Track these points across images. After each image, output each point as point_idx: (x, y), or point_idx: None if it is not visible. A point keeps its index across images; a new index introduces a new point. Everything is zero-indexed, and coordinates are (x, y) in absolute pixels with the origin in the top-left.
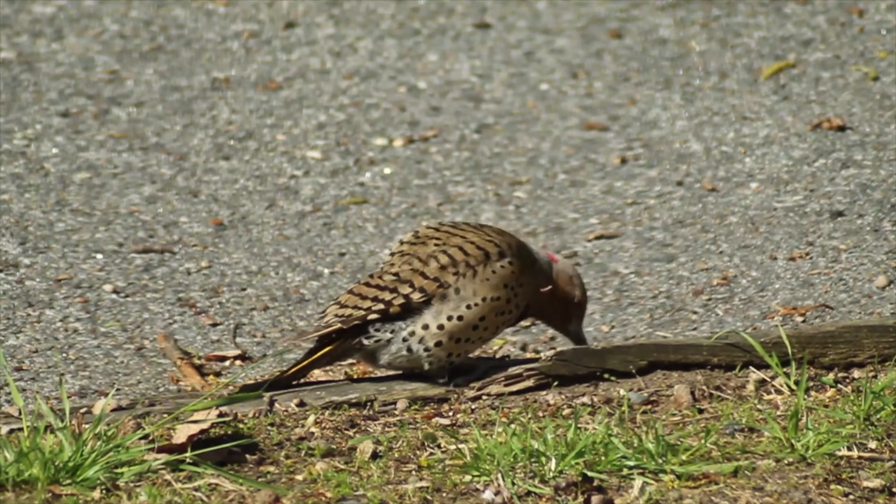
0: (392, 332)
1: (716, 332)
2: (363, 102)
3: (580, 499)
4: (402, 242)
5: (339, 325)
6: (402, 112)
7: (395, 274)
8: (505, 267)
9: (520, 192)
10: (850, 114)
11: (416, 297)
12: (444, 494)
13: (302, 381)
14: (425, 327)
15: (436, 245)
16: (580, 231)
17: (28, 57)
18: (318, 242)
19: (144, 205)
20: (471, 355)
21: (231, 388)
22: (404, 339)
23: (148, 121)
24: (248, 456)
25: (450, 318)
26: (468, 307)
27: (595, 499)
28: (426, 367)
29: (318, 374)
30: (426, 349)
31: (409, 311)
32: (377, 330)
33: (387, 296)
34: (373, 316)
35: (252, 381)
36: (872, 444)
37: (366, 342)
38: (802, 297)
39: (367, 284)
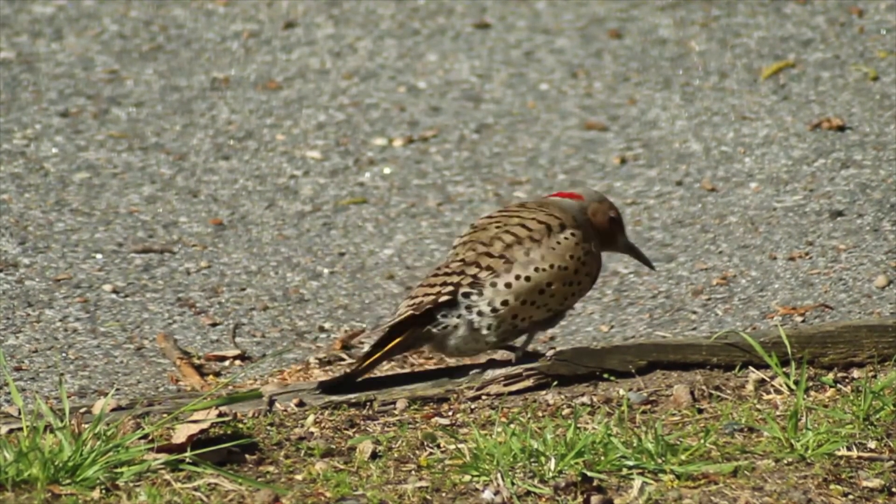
0: (458, 316)
1: (715, 332)
2: (363, 102)
3: (580, 499)
4: (461, 236)
5: (410, 311)
6: (401, 112)
7: (461, 260)
8: (568, 238)
9: (520, 192)
10: (850, 114)
11: (483, 275)
12: (444, 494)
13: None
14: (493, 285)
15: (497, 228)
16: None
17: (28, 57)
18: (317, 242)
19: (144, 205)
20: (538, 335)
21: (231, 388)
22: (469, 309)
23: (148, 121)
24: (247, 456)
25: (517, 278)
26: (535, 270)
27: (594, 499)
28: (493, 338)
29: (317, 373)
30: (493, 310)
31: (477, 286)
32: (444, 316)
33: (455, 278)
34: (444, 298)
35: (329, 378)
36: (872, 444)
37: (434, 330)
38: (802, 296)
39: (435, 275)
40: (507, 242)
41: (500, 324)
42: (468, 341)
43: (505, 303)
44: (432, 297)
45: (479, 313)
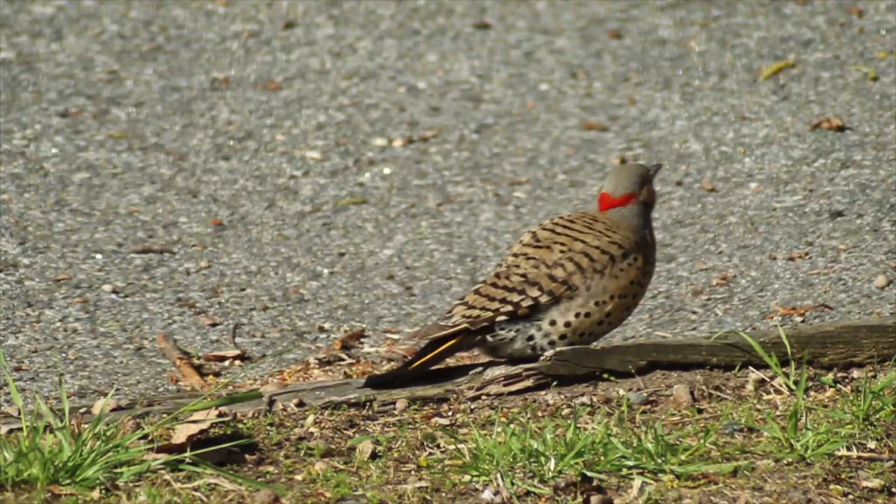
0: (517, 331)
1: (715, 332)
2: (363, 103)
3: (579, 499)
4: (522, 244)
5: (466, 325)
6: (401, 112)
7: (523, 275)
8: (631, 264)
9: (519, 192)
10: (850, 114)
11: (543, 299)
12: (444, 494)
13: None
14: (552, 323)
15: (561, 252)
16: None
17: (28, 57)
18: (317, 242)
19: (144, 205)
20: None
21: (231, 388)
22: (529, 338)
23: (147, 121)
24: (247, 456)
25: (577, 315)
26: (596, 304)
27: (594, 499)
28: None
29: (317, 373)
30: (550, 342)
31: (536, 310)
32: (502, 329)
33: (515, 297)
34: (501, 318)
35: (378, 374)
36: (872, 444)
37: (489, 339)
38: (802, 297)
39: (494, 285)
40: (569, 271)
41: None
42: (523, 352)
43: (563, 336)
44: (490, 315)
45: (539, 329)
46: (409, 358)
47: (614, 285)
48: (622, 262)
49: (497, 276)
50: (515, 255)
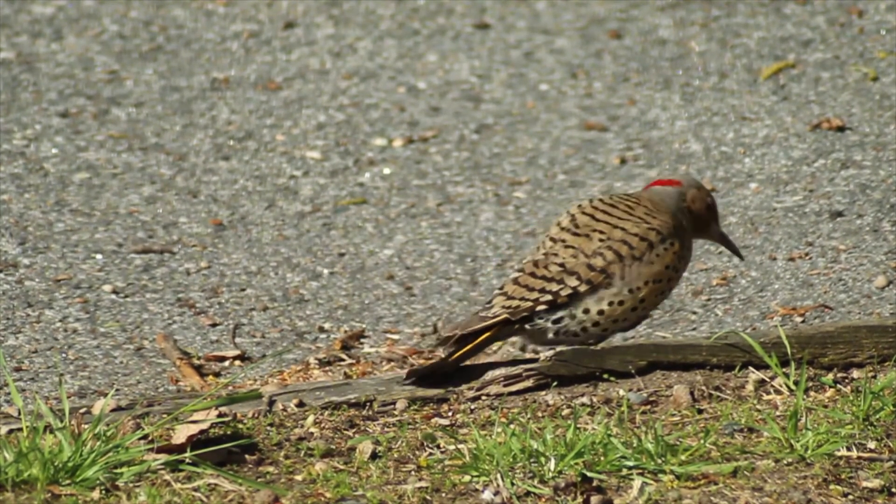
0: (553, 320)
1: (715, 333)
2: (363, 103)
3: (579, 499)
4: (561, 227)
5: (506, 315)
6: (401, 112)
7: (561, 264)
8: (667, 249)
9: (519, 192)
10: (850, 114)
11: (582, 288)
12: (444, 495)
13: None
14: (586, 311)
15: (600, 240)
16: None
17: (28, 57)
18: (317, 243)
19: (144, 205)
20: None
21: (231, 388)
22: (563, 323)
23: (147, 121)
24: (247, 456)
25: (611, 304)
26: (630, 291)
27: (594, 499)
28: (580, 342)
29: (317, 374)
30: (583, 329)
31: (575, 298)
32: (540, 318)
33: (554, 287)
34: (540, 307)
35: (420, 366)
36: (872, 445)
37: (528, 327)
38: (802, 297)
39: (533, 275)
40: (608, 260)
41: (591, 336)
42: (560, 338)
43: (596, 324)
44: (530, 305)
45: (572, 317)
46: (441, 353)
47: (649, 271)
48: (659, 247)
49: (535, 264)
50: (553, 241)
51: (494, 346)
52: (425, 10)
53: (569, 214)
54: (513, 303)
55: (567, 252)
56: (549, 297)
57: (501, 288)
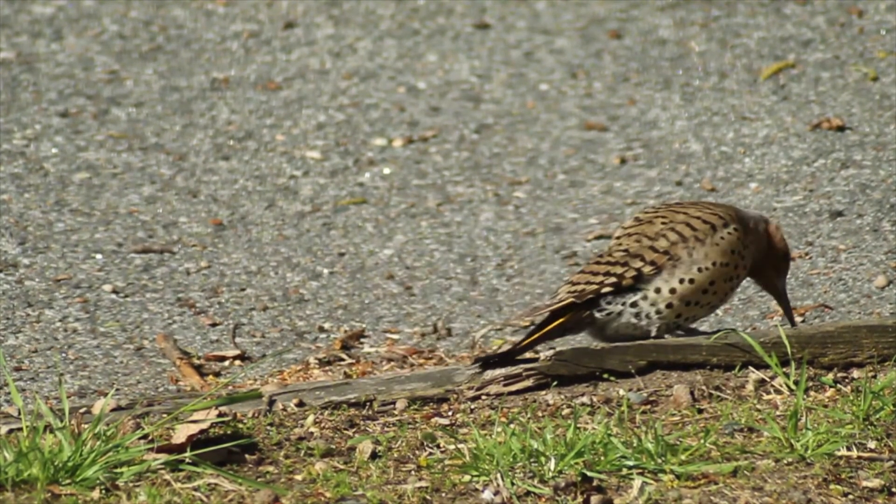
0: (622, 303)
1: (715, 332)
2: (362, 103)
3: (579, 499)
4: (624, 228)
5: (572, 299)
6: (401, 112)
7: (625, 250)
8: (731, 233)
9: (519, 192)
10: (850, 114)
11: (647, 269)
12: (444, 494)
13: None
14: (657, 290)
15: (662, 224)
16: (580, 231)
17: (28, 57)
18: (317, 242)
19: (144, 205)
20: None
21: (231, 388)
22: (634, 305)
23: (147, 121)
24: (247, 456)
25: (682, 281)
26: (699, 270)
27: (594, 499)
28: (653, 332)
29: (317, 373)
30: (657, 311)
31: (640, 281)
32: (608, 303)
33: (618, 269)
34: (606, 289)
35: (489, 353)
36: (872, 444)
37: (597, 314)
38: (802, 296)
39: (598, 262)
40: (671, 241)
41: (663, 323)
42: (629, 328)
43: (669, 305)
44: (595, 287)
45: (644, 298)
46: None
47: (715, 252)
48: (723, 230)
49: (600, 255)
50: (618, 238)
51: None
52: (425, 10)
53: (634, 218)
54: (578, 287)
55: (630, 239)
56: (613, 280)
57: (568, 279)
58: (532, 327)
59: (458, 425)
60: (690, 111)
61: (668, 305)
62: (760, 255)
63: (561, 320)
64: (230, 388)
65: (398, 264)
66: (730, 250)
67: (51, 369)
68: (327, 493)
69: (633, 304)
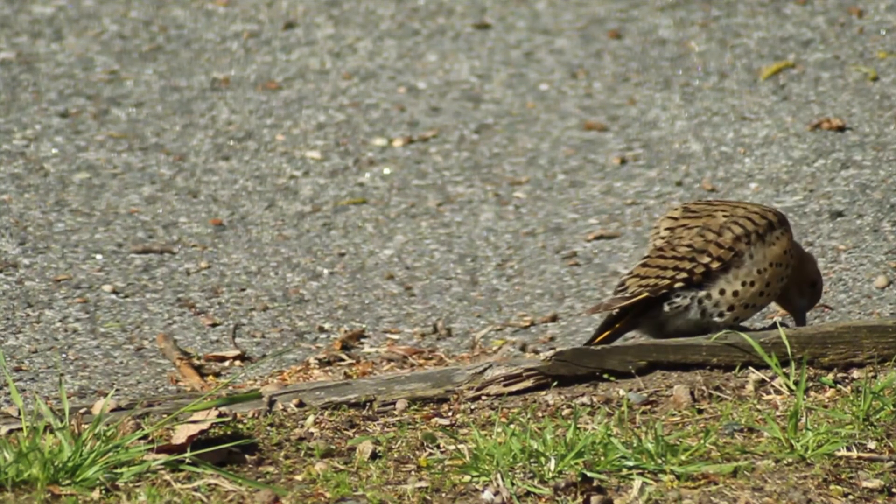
0: (691, 297)
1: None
2: (362, 103)
3: (579, 499)
4: (674, 219)
5: (647, 293)
6: (401, 112)
7: (689, 245)
8: (783, 234)
9: (519, 192)
10: (850, 114)
11: (714, 265)
12: (444, 495)
13: None
14: (721, 292)
15: (724, 217)
16: (580, 231)
17: (28, 57)
18: (317, 243)
19: (144, 205)
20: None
21: (231, 388)
22: (700, 302)
23: (147, 121)
24: (247, 456)
25: (744, 284)
26: (759, 272)
27: (594, 499)
28: (713, 330)
29: (317, 374)
30: (720, 314)
31: (707, 278)
32: (678, 297)
33: (687, 265)
34: (678, 284)
35: (560, 350)
36: (872, 445)
37: (666, 308)
38: None
39: (662, 257)
40: (736, 234)
41: (724, 323)
42: (691, 325)
43: (731, 308)
44: (667, 282)
45: (709, 297)
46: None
47: (771, 253)
48: (778, 229)
49: (660, 249)
50: (670, 230)
51: (494, 346)
52: (425, 10)
53: (681, 207)
54: (649, 281)
55: (691, 232)
56: (684, 275)
57: (630, 272)
58: (602, 324)
59: (458, 425)
60: (690, 111)
61: (730, 308)
62: (794, 270)
63: (628, 316)
64: (230, 388)
65: (398, 264)
66: (782, 251)
67: (51, 369)
68: (327, 493)
69: (700, 301)
